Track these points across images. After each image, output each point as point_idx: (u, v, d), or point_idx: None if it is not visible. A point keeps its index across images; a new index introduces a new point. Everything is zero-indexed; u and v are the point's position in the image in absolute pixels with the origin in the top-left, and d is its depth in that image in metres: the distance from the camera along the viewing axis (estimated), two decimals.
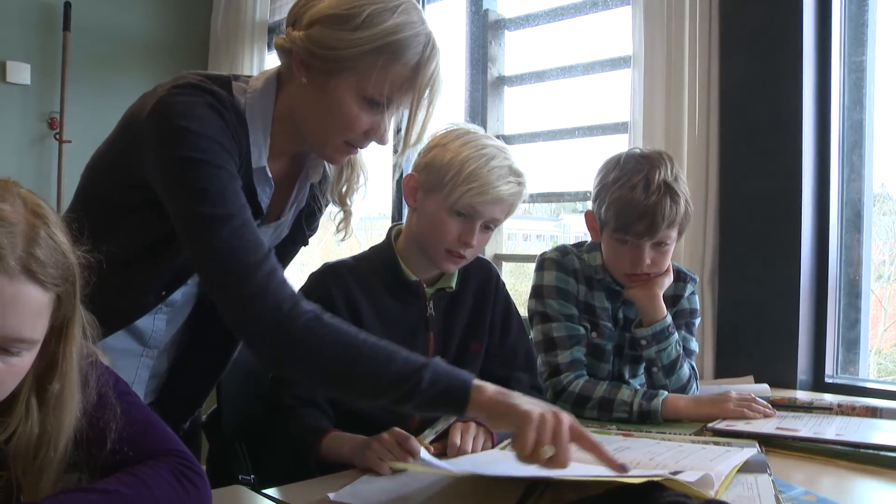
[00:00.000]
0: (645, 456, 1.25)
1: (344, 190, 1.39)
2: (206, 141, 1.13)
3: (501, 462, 1.18)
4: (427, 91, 1.20)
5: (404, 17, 1.17)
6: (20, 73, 3.16)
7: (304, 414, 1.33)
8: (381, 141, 1.24)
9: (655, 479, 1.00)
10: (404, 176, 1.51)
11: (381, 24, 1.15)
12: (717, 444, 1.36)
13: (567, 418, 1.08)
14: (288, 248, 1.46)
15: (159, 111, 1.14)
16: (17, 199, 0.80)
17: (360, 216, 3.99)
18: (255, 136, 1.23)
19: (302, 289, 1.46)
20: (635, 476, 1.01)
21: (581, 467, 1.08)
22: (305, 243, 1.48)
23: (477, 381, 1.11)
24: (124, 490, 0.85)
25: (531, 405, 1.08)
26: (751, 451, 1.25)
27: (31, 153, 3.21)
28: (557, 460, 1.04)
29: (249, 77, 1.28)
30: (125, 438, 0.90)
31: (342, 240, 1.42)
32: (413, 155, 1.49)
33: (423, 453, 1.17)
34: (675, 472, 1.08)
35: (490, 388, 1.11)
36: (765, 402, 1.60)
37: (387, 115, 1.21)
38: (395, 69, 1.17)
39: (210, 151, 1.12)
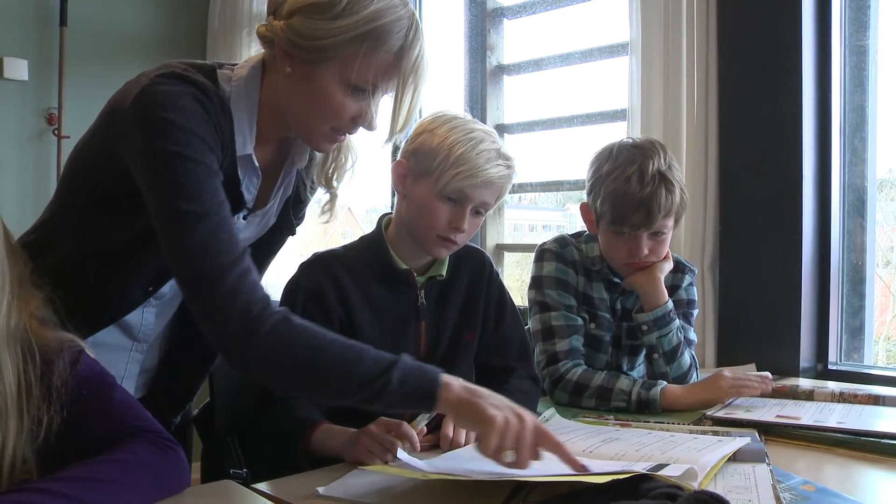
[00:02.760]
0: (632, 447, 1.23)
1: (331, 172, 1.38)
2: (187, 134, 1.11)
3: (485, 460, 1.17)
4: (412, 76, 1.19)
5: (385, 3, 1.15)
6: (17, 68, 3.14)
7: (294, 406, 1.31)
8: (369, 127, 1.23)
9: (629, 474, 0.98)
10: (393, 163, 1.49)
11: (362, 11, 1.13)
12: (715, 433, 1.34)
13: (531, 420, 1.08)
14: (276, 237, 1.45)
15: (142, 101, 1.12)
16: None
17: (367, 208, 3.94)
18: (241, 123, 1.22)
19: (292, 279, 1.46)
20: (616, 472, 0.99)
21: (564, 467, 1.07)
22: (293, 232, 1.47)
23: (445, 379, 1.11)
24: (112, 458, 0.92)
25: (496, 409, 1.08)
26: (743, 441, 1.23)
27: (29, 149, 3.20)
28: (518, 463, 1.05)
29: (235, 65, 1.27)
30: (103, 421, 0.96)
31: (326, 222, 1.41)
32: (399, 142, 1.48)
33: (401, 454, 1.15)
34: (661, 465, 1.07)
35: (457, 386, 1.11)
36: (758, 378, 1.58)
37: (373, 100, 1.20)
38: (379, 55, 1.16)
39: (190, 145, 1.11)
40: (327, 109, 1.19)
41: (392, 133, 1.23)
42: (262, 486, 1.11)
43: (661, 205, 1.60)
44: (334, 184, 1.39)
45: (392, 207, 3.19)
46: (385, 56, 1.16)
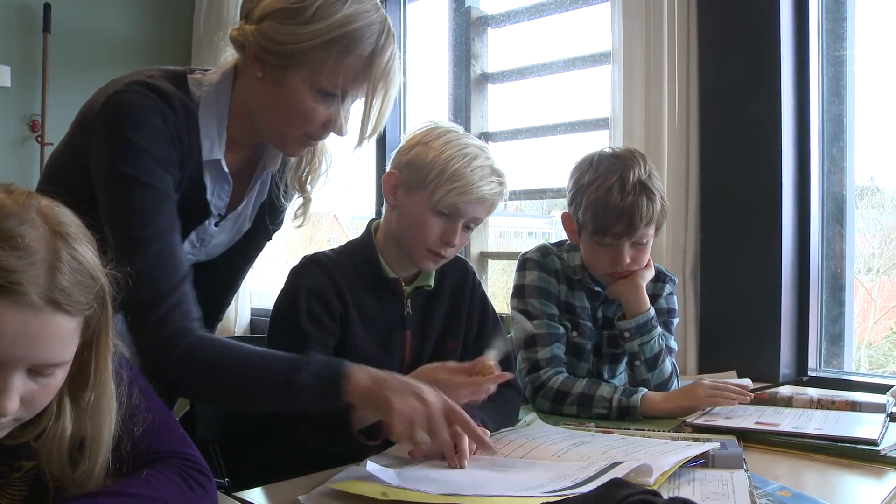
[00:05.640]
0: (599, 450, 1.25)
1: (304, 176, 1.38)
2: (142, 155, 1.14)
3: (458, 471, 1.15)
4: (382, 81, 1.20)
5: (356, 7, 1.16)
6: (0, 75, 3.13)
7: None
8: (340, 132, 1.24)
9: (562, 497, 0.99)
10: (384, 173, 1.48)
11: (333, 16, 1.14)
12: (696, 440, 1.35)
13: (436, 398, 1.11)
14: (252, 243, 1.45)
15: (105, 114, 1.15)
16: (37, 216, 0.76)
17: (352, 215, 3.95)
18: (209, 128, 1.23)
19: (290, 282, 1.42)
20: (555, 492, 1.00)
21: (536, 479, 1.08)
22: (269, 238, 1.47)
23: (349, 370, 1.13)
24: (130, 491, 0.84)
25: (396, 393, 1.10)
26: (710, 445, 1.24)
27: (12, 156, 3.18)
28: (438, 442, 1.10)
29: (208, 70, 1.28)
30: (138, 437, 0.89)
31: (299, 226, 1.43)
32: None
33: (370, 465, 1.11)
34: (616, 463, 1.09)
35: (362, 376, 1.13)
36: (737, 388, 1.59)
37: (343, 106, 1.21)
38: (349, 60, 1.16)
39: (143, 167, 1.14)
40: (298, 114, 1.20)
41: (362, 138, 1.24)
42: (243, 494, 1.11)
43: (642, 214, 1.61)
44: (308, 188, 1.39)
45: (376, 214, 3.19)
46: (355, 61, 1.17)
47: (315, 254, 1.47)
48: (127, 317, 1.14)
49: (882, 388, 1.78)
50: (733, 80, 2.09)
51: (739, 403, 1.56)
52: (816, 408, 1.60)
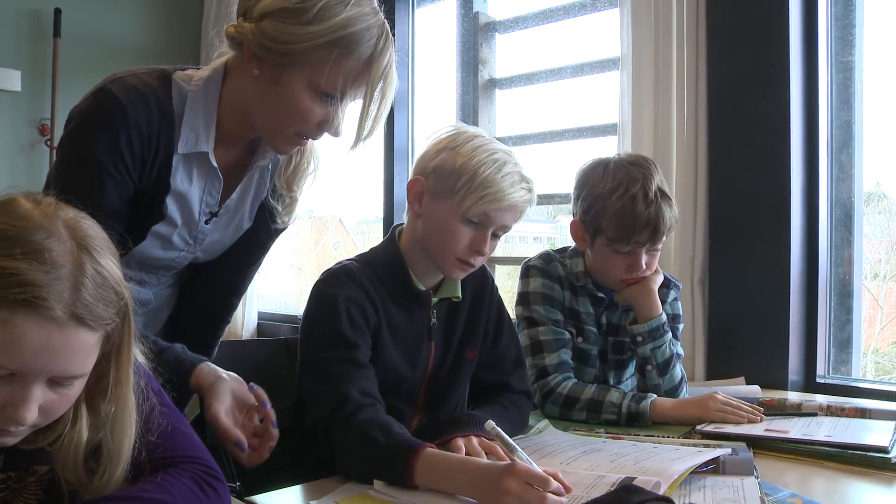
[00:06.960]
0: (607, 458, 1.25)
1: (291, 175, 1.39)
2: (93, 167, 1.18)
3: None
4: (380, 84, 1.20)
5: (356, 10, 1.16)
6: (10, 79, 3.14)
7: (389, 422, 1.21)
8: (335, 133, 1.24)
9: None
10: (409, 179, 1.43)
11: (334, 18, 1.14)
12: (706, 446, 1.35)
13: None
14: (254, 242, 1.45)
15: (78, 111, 1.20)
16: (63, 229, 0.77)
17: (357, 220, 3.96)
18: (194, 122, 1.24)
19: (324, 291, 1.36)
20: None
21: None
22: (272, 238, 1.48)
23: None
24: (146, 496, 0.85)
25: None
26: (721, 451, 1.24)
27: (21, 160, 3.20)
28: None
29: (199, 68, 1.29)
30: (152, 442, 0.90)
31: (283, 223, 1.43)
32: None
33: (378, 483, 1.10)
34: (629, 479, 1.08)
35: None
36: (750, 407, 1.57)
37: (340, 107, 1.21)
38: (349, 63, 1.17)
39: (90, 177, 1.18)
40: (294, 114, 1.20)
41: (358, 140, 1.24)
42: (255, 498, 1.12)
43: (666, 222, 1.64)
44: (294, 187, 1.40)
45: (384, 220, 3.20)
46: (355, 64, 1.18)
47: (342, 264, 1.40)
48: None
49: (891, 396, 1.78)
50: (742, 87, 2.09)
51: (749, 423, 1.53)
52: (826, 415, 1.60)
